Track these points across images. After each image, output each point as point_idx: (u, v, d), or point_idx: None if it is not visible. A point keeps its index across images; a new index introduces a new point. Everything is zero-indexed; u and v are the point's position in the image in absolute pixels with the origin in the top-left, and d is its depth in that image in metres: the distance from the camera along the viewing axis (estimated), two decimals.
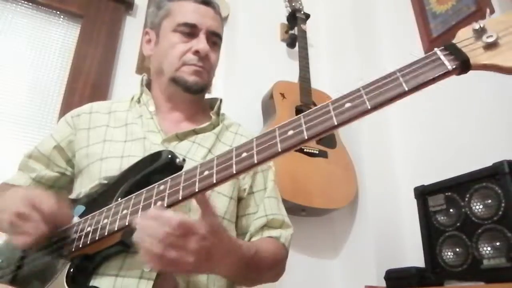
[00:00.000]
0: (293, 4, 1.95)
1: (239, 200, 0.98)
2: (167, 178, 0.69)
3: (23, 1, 1.65)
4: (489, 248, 1.08)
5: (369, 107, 0.54)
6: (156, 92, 1.04)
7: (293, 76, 1.81)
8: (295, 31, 1.92)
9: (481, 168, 1.14)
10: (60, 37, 1.70)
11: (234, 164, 0.61)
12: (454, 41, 0.56)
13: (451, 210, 1.21)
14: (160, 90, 1.03)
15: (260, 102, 1.78)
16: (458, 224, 1.17)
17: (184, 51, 0.98)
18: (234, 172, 0.60)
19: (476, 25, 0.54)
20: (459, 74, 0.54)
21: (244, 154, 0.61)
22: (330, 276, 1.65)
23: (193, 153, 0.93)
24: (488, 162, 1.13)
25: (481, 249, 1.09)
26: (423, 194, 1.30)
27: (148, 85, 1.07)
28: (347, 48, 1.94)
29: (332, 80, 1.96)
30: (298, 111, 1.70)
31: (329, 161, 1.62)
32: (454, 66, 0.53)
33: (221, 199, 0.92)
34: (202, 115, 1.05)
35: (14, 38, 1.61)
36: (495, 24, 0.54)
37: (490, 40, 0.53)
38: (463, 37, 0.56)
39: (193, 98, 1.02)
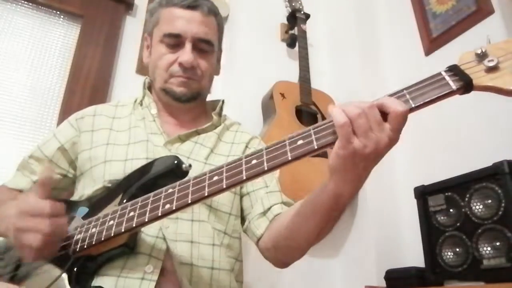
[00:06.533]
0: (293, 4, 1.95)
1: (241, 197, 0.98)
2: (175, 183, 0.70)
3: (23, 1, 1.65)
4: (489, 248, 1.08)
5: None
6: (156, 97, 1.05)
7: (293, 76, 1.81)
8: (295, 31, 1.92)
9: (481, 168, 1.15)
10: (60, 37, 1.69)
11: (244, 170, 0.63)
12: (457, 63, 0.60)
13: (451, 210, 1.21)
14: (157, 97, 1.04)
15: (260, 102, 1.79)
16: (458, 224, 1.17)
17: (171, 62, 0.96)
18: (244, 178, 0.62)
19: (478, 50, 0.58)
20: (462, 94, 0.58)
21: (254, 161, 0.63)
22: (330, 276, 1.65)
23: (196, 153, 0.94)
24: (488, 162, 1.13)
25: (481, 249, 1.09)
26: (423, 194, 1.30)
27: (150, 87, 1.07)
28: (347, 48, 1.94)
29: (332, 80, 1.96)
30: (298, 111, 1.70)
31: None
32: (458, 86, 0.57)
33: (226, 194, 0.91)
34: (204, 116, 1.05)
35: (14, 38, 1.60)
36: (495, 49, 0.58)
37: (491, 64, 0.57)
38: (466, 60, 0.59)
39: (188, 106, 1.01)
